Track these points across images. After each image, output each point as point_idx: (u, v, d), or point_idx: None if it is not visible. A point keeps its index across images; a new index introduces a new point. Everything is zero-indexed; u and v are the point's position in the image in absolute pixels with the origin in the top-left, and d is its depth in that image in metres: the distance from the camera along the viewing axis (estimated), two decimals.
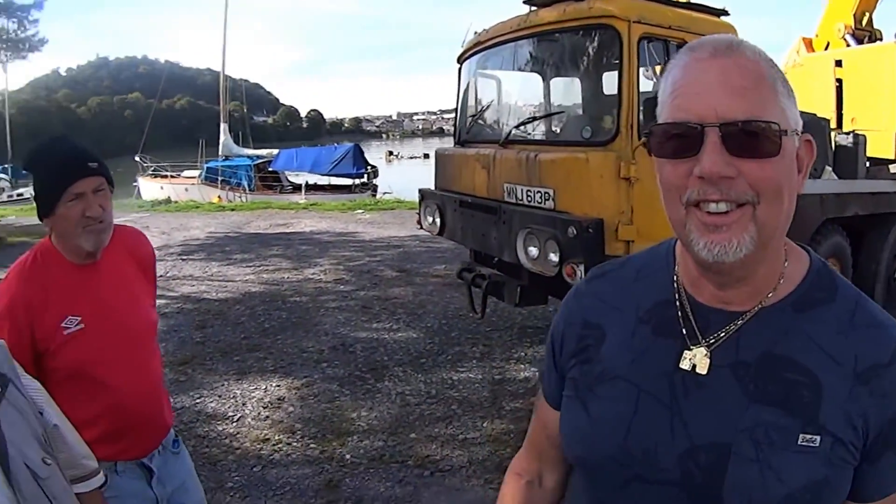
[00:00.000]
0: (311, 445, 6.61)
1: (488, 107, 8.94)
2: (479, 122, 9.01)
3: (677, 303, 1.57)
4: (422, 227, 9.51)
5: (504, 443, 6.45)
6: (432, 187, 9.37)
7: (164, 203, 33.35)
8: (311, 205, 27.82)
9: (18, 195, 49.84)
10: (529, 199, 7.07)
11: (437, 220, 8.83)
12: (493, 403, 7.33)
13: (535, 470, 1.93)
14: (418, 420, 7.04)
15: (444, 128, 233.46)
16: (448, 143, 10.73)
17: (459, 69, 9.27)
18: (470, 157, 8.29)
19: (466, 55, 9.04)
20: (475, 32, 8.79)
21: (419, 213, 9.45)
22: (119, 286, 3.23)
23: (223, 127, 41.57)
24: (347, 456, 6.36)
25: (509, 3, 8.52)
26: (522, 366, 8.34)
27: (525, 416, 6.79)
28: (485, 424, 6.86)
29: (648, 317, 1.61)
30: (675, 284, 1.59)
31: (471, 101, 9.22)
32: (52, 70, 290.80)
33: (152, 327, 3.43)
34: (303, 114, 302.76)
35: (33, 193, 3.12)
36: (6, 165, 56.47)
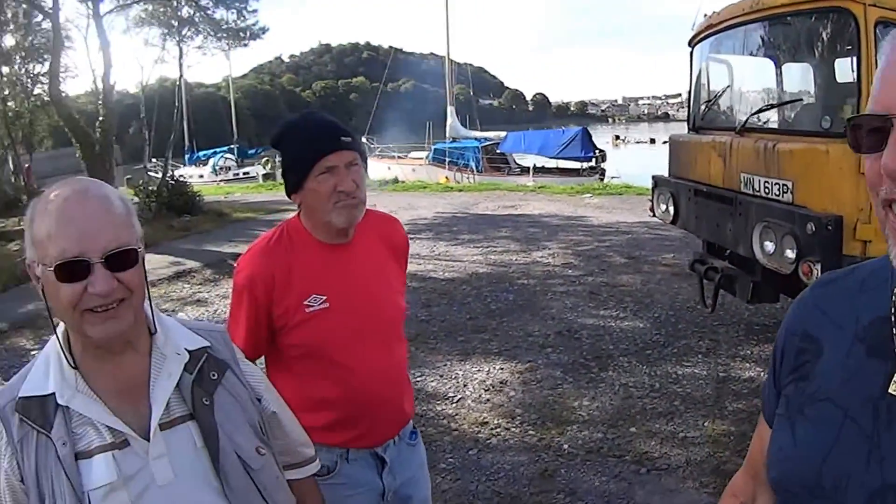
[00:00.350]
0: (530, 432, 6.55)
1: (722, 92, 8.56)
2: (713, 107, 8.66)
3: (892, 318, 1.38)
4: (654, 215, 9.28)
5: (723, 445, 6.19)
6: (665, 174, 9.09)
7: (392, 183, 34.19)
8: (539, 187, 27.70)
9: (245, 174, 52.10)
10: (767, 190, 6.72)
11: (671, 209, 8.57)
12: (715, 402, 7.04)
13: (749, 492, 1.81)
14: (639, 414, 6.86)
15: (669, 112, 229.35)
16: (673, 128, 10.43)
17: (691, 53, 8.94)
18: (705, 145, 7.98)
19: (698, 39, 8.72)
20: (705, 15, 8.48)
21: (652, 201, 9.22)
22: (369, 269, 3.15)
23: (450, 110, 42.08)
24: (565, 446, 6.27)
25: None
26: (747, 364, 7.97)
27: (747, 417, 6.55)
28: (706, 424, 6.60)
29: (865, 334, 1.44)
30: (893, 298, 1.40)
31: (704, 86, 8.89)
32: (275, 57, 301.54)
33: (400, 315, 3.31)
34: (528, 97, 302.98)
35: (282, 169, 3.11)
36: (232, 146, 58.91)
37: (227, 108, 70.55)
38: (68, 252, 1.74)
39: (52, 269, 1.75)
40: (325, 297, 2.97)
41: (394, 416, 3.21)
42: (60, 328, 1.96)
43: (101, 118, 23.05)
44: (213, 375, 2.05)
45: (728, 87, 8.45)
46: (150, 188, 24.23)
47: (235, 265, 3.23)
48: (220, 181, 49.47)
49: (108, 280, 1.77)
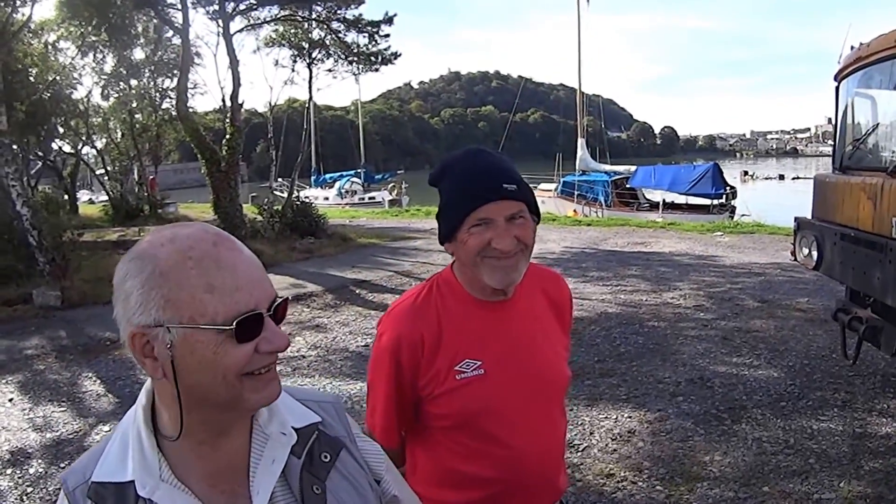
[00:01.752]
0: (658, 488, 6.24)
1: (872, 130, 8.05)
2: (862, 146, 8.15)
3: None
4: (795, 259, 8.81)
5: None
6: (807, 215, 8.58)
7: None
8: (668, 224, 27.34)
9: (370, 198, 52.85)
10: None
11: (814, 253, 8.12)
12: (851, 460, 6.58)
13: None
14: (773, 472, 6.43)
15: (798, 147, 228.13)
16: (801, 164, 9.98)
17: (837, 87, 8.50)
18: (854, 186, 7.49)
19: (845, 73, 8.23)
20: (852, 47, 8.02)
21: (794, 244, 8.77)
22: (531, 331, 2.72)
23: (580, 142, 41.98)
24: None
25: (878, 15, 7.72)
26: (884, 419, 7.47)
27: (884, 478, 6.14)
28: (841, 485, 6.14)
29: None
30: None
31: (850, 123, 8.41)
32: (405, 83, 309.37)
33: (564, 383, 2.87)
34: (656, 130, 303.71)
35: (438, 211, 2.66)
36: (359, 170, 59.83)
37: (355, 132, 71.80)
38: (244, 305, 1.49)
39: (229, 328, 1.47)
40: (480, 363, 2.59)
41: (547, 496, 2.81)
42: (142, 402, 1.67)
43: (227, 136, 23.37)
44: (325, 457, 1.75)
45: (878, 124, 7.95)
46: (275, 207, 24.66)
47: (377, 326, 2.80)
48: (346, 205, 50.33)
49: (280, 333, 1.56)
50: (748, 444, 6.96)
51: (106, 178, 43.98)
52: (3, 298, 17.80)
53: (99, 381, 11.39)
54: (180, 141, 43.62)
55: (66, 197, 39.53)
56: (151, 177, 43.00)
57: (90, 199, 63.46)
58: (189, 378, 1.50)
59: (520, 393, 2.62)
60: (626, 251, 19.62)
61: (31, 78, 28.36)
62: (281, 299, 1.57)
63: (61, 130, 39.09)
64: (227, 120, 24.59)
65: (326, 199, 51.75)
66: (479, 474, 2.64)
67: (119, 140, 43.65)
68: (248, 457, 1.67)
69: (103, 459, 1.65)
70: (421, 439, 2.78)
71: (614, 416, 7.71)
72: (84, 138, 41.83)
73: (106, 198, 43.53)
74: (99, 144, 44.95)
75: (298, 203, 26.24)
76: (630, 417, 7.68)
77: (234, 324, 1.47)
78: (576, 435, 7.29)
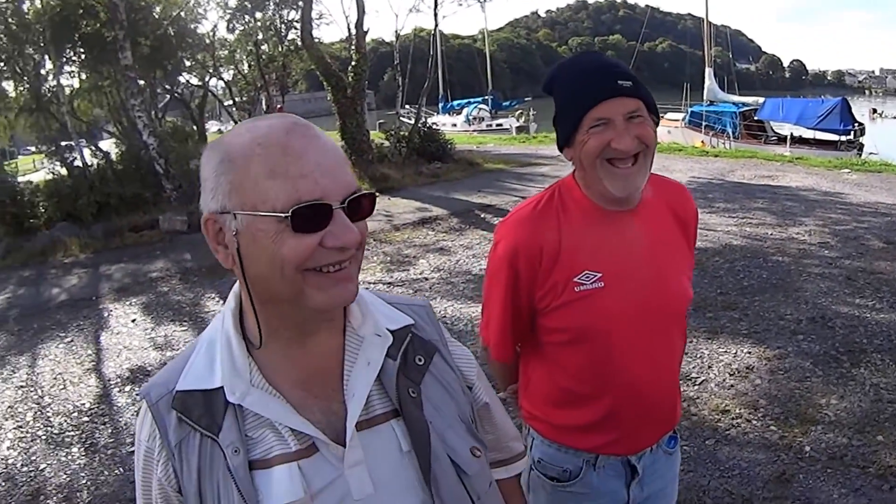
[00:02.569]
0: (772, 427, 6.13)
1: None
2: None
3: None
4: None
5: None
6: None
7: None
8: (796, 158, 26.38)
9: (498, 125, 52.75)
10: None
11: None
12: None
13: None
14: (889, 420, 6.18)
15: None
16: None
17: None
18: None
19: None
20: None
21: None
22: (655, 245, 2.60)
23: (708, 72, 41.01)
24: (807, 448, 5.78)
25: None
26: None
27: None
28: None
29: None
30: None
31: None
32: (532, 12, 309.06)
33: (686, 302, 2.74)
34: (785, 63, 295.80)
35: (553, 117, 2.56)
36: (486, 97, 59.67)
37: (483, 60, 71.46)
38: (306, 194, 1.40)
39: (285, 216, 1.40)
40: (599, 275, 2.49)
41: (661, 421, 2.76)
42: (230, 306, 1.65)
43: (353, 63, 23.50)
44: (419, 360, 1.71)
45: None
46: (402, 133, 24.73)
47: (494, 234, 2.73)
48: (473, 131, 50.34)
49: (350, 228, 1.44)
50: (865, 390, 6.73)
51: (234, 108, 44.97)
52: (131, 224, 18.59)
53: (221, 302, 11.67)
54: (307, 71, 44.16)
55: (194, 127, 40.39)
56: (279, 106, 43.63)
57: (219, 129, 64.89)
58: (253, 268, 1.48)
59: (639, 309, 2.53)
60: (752, 184, 19.16)
61: (156, 14, 29.03)
62: (361, 192, 1.48)
63: (188, 64, 39.90)
64: (353, 47, 24.74)
65: (454, 125, 51.84)
66: (592, 395, 2.60)
67: (246, 71, 44.50)
68: (341, 360, 1.64)
69: (188, 369, 1.63)
70: (535, 355, 2.74)
71: (734, 351, 7.63)
72: (211, 71, 42.73)
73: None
74: (226, 76, 46.00)
75: (425, 129, 26.35)
76: (749, 353, 7.57)
77: (291, 212, 1.40)
78: (693, 368, 7.23)
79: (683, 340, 2.83)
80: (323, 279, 1.46)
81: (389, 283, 11.47)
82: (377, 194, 1.55)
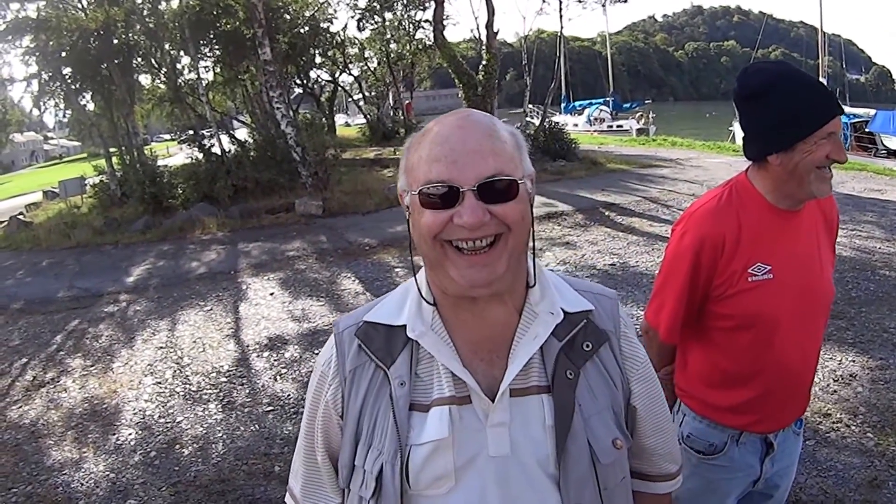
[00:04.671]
0: (868, 434, 6.27)
1: None
2: None
3: None
4: None
5: None
6: None
7: None
8: None
9: (618, 126, 52.33)
10: None
11: None
12: None
13: None
14: None
15: None
16: None
17: None
18: None
19: None
20: None
21: None
22: (812, 243, 2.89)
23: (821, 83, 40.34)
24: None
25: None
26: None
27: None
28: None
29: None
30: None
31: None
32: (649, 16, 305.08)
33: (832, 298, 3.02)
34: (895, 75, 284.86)
35: (761, 123, 2.76)
36: (607, 98, 59.32)
37: (603, 62, 71.23)
38: (436, 176, 1.59)
39: (416, 193, 1.63)
40: (769, 267, 2.75)
41: (801, 403, 3.05)
42: (422, 271, 1.84)
43: (484, 62, 23.92)
44: (587, 346, 1.78)
45: None
46: (528, 132, 24.95)
47: (674, 225, 3.02)
48: (594, 132, 50.15)
49: (477, 209, 1.55)
50: None
51: (363, 102, 45.87)
52: (267, 207, 19.46)
53: (357, 281, 12.42)
54: (433, 69, 44.85)
55: (324, 120, 41.35)
56: (407, 102, 44.51)
57: (346, 122, 66.50)
58: (414, 237, 1.70)
59: (800, 300, 2.79)
60: (862, 196, 18.84)
61: (289, 14, 30.59)
62: (495, 178, 1.57)
63: (319, 60, 41.13)
64: (483, 47, 25.15)
65: (576, 125, 51.50)
66: (746, 375, 2.86)
67: (375, 68, 45.42)
68: (513, 333, 1.74)
69: (378, 307, 1.85)
70: (698, 338, 3.00)
71: (839, 359, 7.71)
72: (341, 67, 43.88)
73: (362, 121, 45.70)
74: (355, 72, 47.09)
75: (550, 128, 26.55)
76: (853, 362, 7.66)
77: (418, 190, 1.61)
78: None
79: (823, 332, 3.09)
80: (458, 257, 1.61)
81: None
82: (519, 181, 1.62)
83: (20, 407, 8.54)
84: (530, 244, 1.75)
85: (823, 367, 7.45)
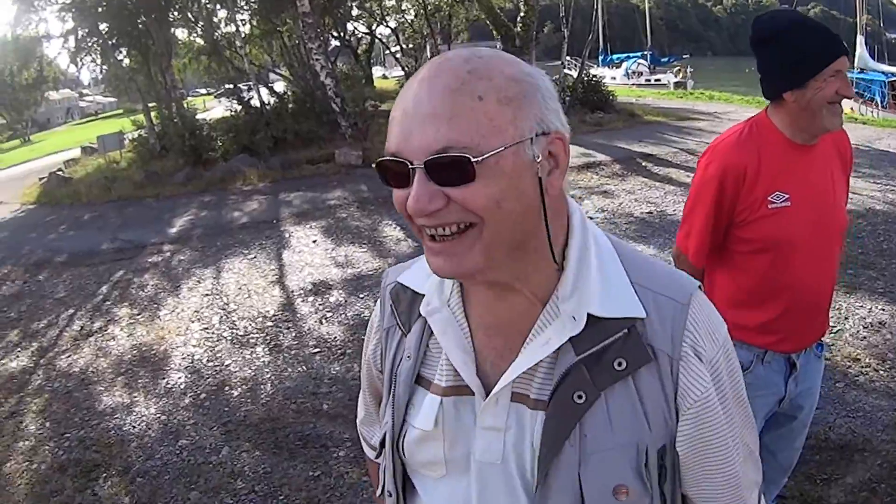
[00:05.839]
0: None
1: None
2: None
3: None
4: None
5: None
6: None
7: None
8: None
9: (656, 80, 52.07)
10: None
11: None
12: None
13: None
14: None
15: None
16: None
17: None
18: None
19: None
20: None
21: None
22: (825, 176, 3.12)
23: (860, 40, 39.50)
24: None
25: None
26: None
27: None
28: None
29: None
30: None
31: None
32: None
33: (845, 227, 3.30)
34: None
35: (777, 64, 2.98)
36: (645, 52, 58.98)
37: (641, 17, 70.68)
38: (390, 146, 1.27)
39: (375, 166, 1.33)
40: (787, 196, 2.98)
41: (820, 324, 3.26)
42: None
43: (521, 13, 23.84)
44: (619, 364, 1.36)
45: None
46: (566, 84, 24.93)
47: (700, 158, 3.25)
48: (632, 85, 49.94)
49: (423, 194, 1.23)
50: None
51: (400, 54, 45.79)
52: (307, 158, 19.63)
53: (399, 229, 12.57)
54: (471, 21, 44.67)
55: (361, 72, 41.37)
56: None
57: (383, 74, 66.38)
58: None
59: (816, 227, 3.02)
60: None
61: None
62: (445, 155, 1.21)
63: (356, 13, 40.91)
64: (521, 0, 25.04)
65: (613, 78, 51.25)
66: (769, 297, 3.09)
67: (412, 20, 45.27)
68: (533, 325, 1.42)
69: (415, 267, 1.64)
70: (723, 262, 3.22)
71: (868, 307, 7.81)
72: (378, 19, 43.71)
73: (400, 73, 45.65)
74: (392, 24, 46.81)
75: (588, 80, 26.51)
76: (883, 310, 7.75)
77: (375, 164, 1.33)
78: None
79: (839, 259, 3.29)
80: (427, 241, 1.33)
81: None
82: (476, 160, 1.20)
83: (69, 356, 8.76)
84: (561, 220, 1.43)
85: (853, 315, 7.60)
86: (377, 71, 64.03)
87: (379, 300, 1.73)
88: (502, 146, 1.22)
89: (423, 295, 1.55)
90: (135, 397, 7.36)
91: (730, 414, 1.45)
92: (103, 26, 26.96)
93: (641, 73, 54.72)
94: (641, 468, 1.37)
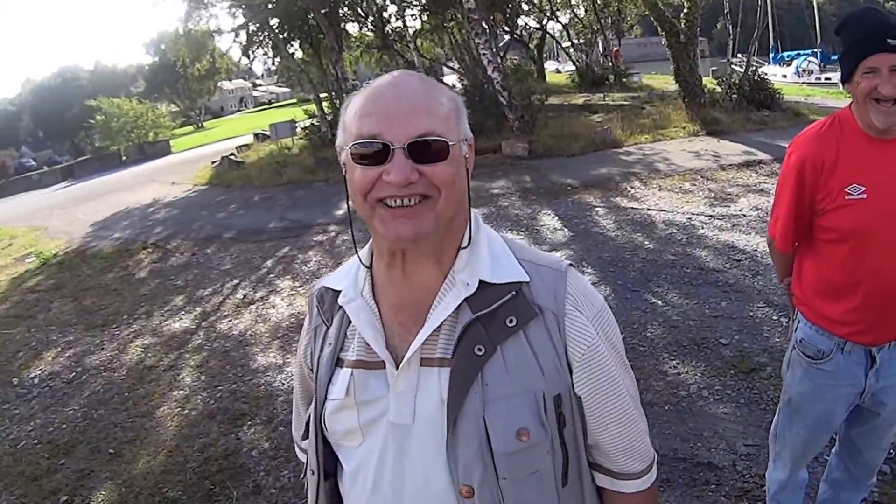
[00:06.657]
0: None
1: None
2: None
3: None
4: None
5: None
6: None
7: None
8: None
9: (826, 79, 50.50)
10: None
11: None
12: None
13: None
14: None
15: None
16: None
17: None
18: None
19: None
20: None
21: None
22: None
23: None
24: None
25: None
26: None
27: None
28: None
29: None
30: None
31: None
32: None
33: None
34: None
35: (840, 58, 3.11)
36: (816, 49, 57.44)
37: (812, 13, 68.81)
38: (367, 131, 1.57)
39: (348, 148, 1.62)
40: (864, 188, 3.01)
41: None
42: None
43: (685, 9, 23.74)
44: (510, 321, 1.65)
45: None
46: (733, 81, 24.76)
47: (787, 148, 3.34)
48: (802, 83, 48.52)
49: (405, 168, 1.54)
50: None
51: (571, 49, 45.95)
52: (475, 148, 19.97)
53: (556, 218, 12.76)
54: (642, 16, 44.51)
55: (533, 66, 41.70)
56: (616, 48, 44.36)
57: (556, 68, 66.50)
58: (350, 194, 1.67)
59: (890, 220, 3.03)
60: None
61: None
62: (426, 138, 1.56)
63: (526, 8, 41.30)
64: None
65: (784, 76, 49.82)
66: (849, 287, 3.16)
67: (582, 15, 45.43)
68: (434, 297, 1.70)
69: (336, 272, 1.96)
70: (809, 250, 3.35)
71: None
72: (548, 14, 44.01)
73: (571, 68, 45.67)
74: (563, 19, 47.11)
75: (755, 78, 26.26)
76: None
77: (350, 146, 1.60)
78: None
79: None
80: (385, 212, 1.59)
81: (710, 216, 11.85)
82: (451, 143, 1.60)
83: (230, 321, 9.50)
84: (474, 210, 1.82)
85: None
86: (550, 65, 64.21)
87: (307, 305, 2.02)
88: (455, 140, 1.62)
89: (339, 292, 1.84)
90: (287, 359, 7.94)
91: (617, 365, 1.78)
92: (274, 21, 27.95)
93: (812, 72, 53.23)
94: (541, 413, 1.63)
